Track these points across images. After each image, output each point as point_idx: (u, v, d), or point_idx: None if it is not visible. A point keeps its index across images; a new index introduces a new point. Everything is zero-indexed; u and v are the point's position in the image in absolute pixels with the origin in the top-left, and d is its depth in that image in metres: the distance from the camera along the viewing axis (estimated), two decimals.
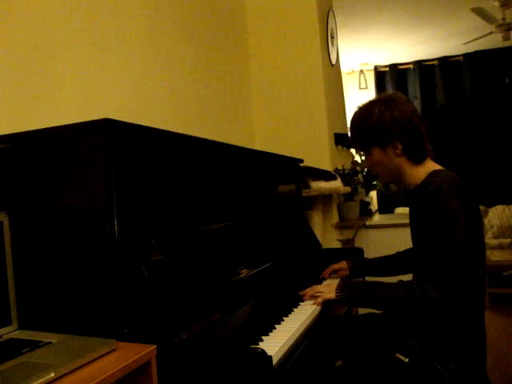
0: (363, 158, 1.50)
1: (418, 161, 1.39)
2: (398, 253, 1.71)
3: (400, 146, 1.37)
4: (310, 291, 1.45)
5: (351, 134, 1.49)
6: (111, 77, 1.72)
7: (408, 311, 1.31)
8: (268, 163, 1.93)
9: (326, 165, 2.91)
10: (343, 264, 1.75)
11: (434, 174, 1.33)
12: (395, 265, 1.69)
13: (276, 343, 1.07)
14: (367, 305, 1.34)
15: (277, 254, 1.72)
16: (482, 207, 5.41)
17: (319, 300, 1.40)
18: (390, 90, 6.28)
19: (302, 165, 2.35)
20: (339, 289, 1.37)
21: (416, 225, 1.41)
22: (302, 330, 1.23)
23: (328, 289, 1.40)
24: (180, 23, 2.23)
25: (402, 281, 1.28)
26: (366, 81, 6.37)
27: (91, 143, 1.00)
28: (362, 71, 6.34)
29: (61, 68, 1.48)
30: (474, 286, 1.30)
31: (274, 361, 0.99)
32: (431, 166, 1.39)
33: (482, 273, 1.33)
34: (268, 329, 1.18)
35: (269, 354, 0.94)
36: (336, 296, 1.37)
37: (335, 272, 1.76)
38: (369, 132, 1.39)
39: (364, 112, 1.41)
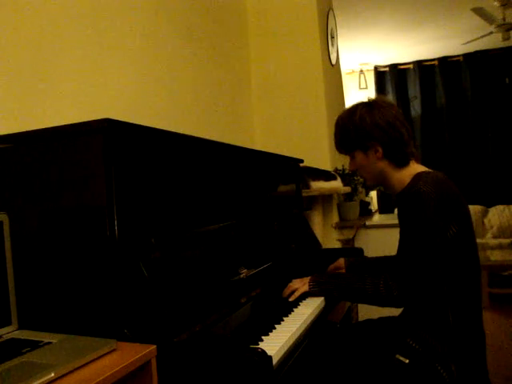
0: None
1: (400, 164, 1.39)
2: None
3: (381, 150, 1.38)
4: (286, 290, 1.50)
5: (335, 137, 1.50)
6: (111, 77, 1.72)
7: (374, 304, 1.35)
8: (268, 163, 1.93)
9: (325, 165, 2.91)
10: (340, 262, 1.75)
11: (417, 176, 1.33)
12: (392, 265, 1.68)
13: (276, 343, 1.07)
14: (338, 296, 1.42)
15: (277, 254, 1.71)
16: (481, 207, 5.42)
17: (295, 294, 1.46)
18: (390, 90, 6.29)
19: (302, 165, 2.35)
20: (312, 281, 1.47)
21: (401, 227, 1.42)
22: (302, 330, 1.23)
23: (302, 283, 1.49)
24: (180, 23, 2.23)
25: (369, 276, 1.33)
26: (366, 81, 6.37)
27: (91, 143, 1.00)
28: (361, 71, 6.35)
29: (61, 68, 1.48)
30: (469, 285, 1.30)
31: (274, 361, 0.99)
32: (416, 168, 1.39)
33: (477, 272, 1.33)
34: (268, 329, 1.18)
35: (269, 354, 0.94)
36: (309, 288, 1.46)
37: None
38: (350, 135, 1.42)
39: (346, 115, 1.43)
